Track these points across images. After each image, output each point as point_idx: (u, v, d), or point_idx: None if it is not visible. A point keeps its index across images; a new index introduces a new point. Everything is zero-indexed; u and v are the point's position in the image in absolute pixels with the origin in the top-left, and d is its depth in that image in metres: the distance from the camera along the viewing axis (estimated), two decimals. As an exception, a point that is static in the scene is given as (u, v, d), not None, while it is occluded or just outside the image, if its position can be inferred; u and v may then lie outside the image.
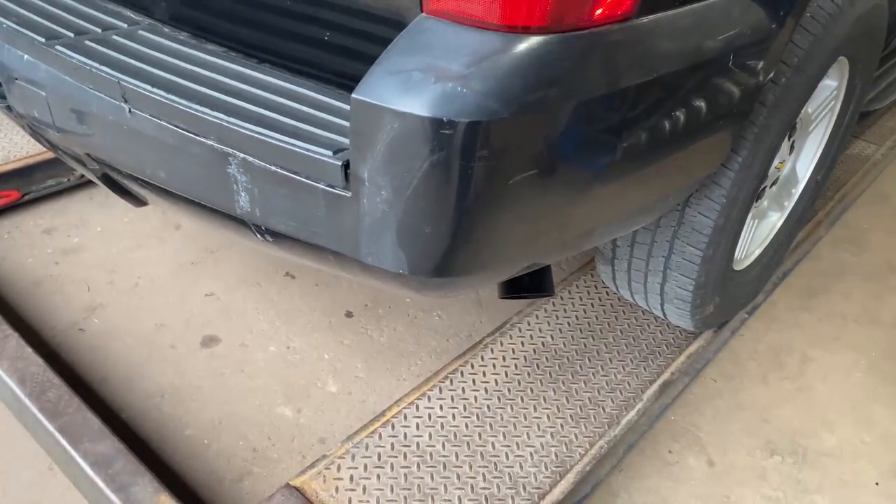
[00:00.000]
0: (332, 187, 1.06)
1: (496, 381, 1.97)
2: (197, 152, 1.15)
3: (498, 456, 1.78)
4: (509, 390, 1.95)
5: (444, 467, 1.73)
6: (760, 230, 2.22)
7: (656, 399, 2.00)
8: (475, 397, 1.92)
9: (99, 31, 1.33)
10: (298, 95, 1.18)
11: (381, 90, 0.96)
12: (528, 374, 2.00)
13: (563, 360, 2.06)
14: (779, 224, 2.26)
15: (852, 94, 2.12)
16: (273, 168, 1.09)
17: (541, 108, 0.99)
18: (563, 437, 1.84)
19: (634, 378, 2.03)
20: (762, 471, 2.05)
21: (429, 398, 1.90)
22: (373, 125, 0.97)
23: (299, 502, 1.59)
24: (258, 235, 1.22)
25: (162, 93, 1.15)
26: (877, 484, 2.06)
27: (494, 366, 2.01)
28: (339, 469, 1.70)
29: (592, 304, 2.26)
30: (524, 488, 1.71)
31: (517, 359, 2.04)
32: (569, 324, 2.17)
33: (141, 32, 1.34)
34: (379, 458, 1.74)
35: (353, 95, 0.98)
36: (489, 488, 1.70)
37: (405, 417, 1.85)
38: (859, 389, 2.34)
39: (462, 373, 1.98)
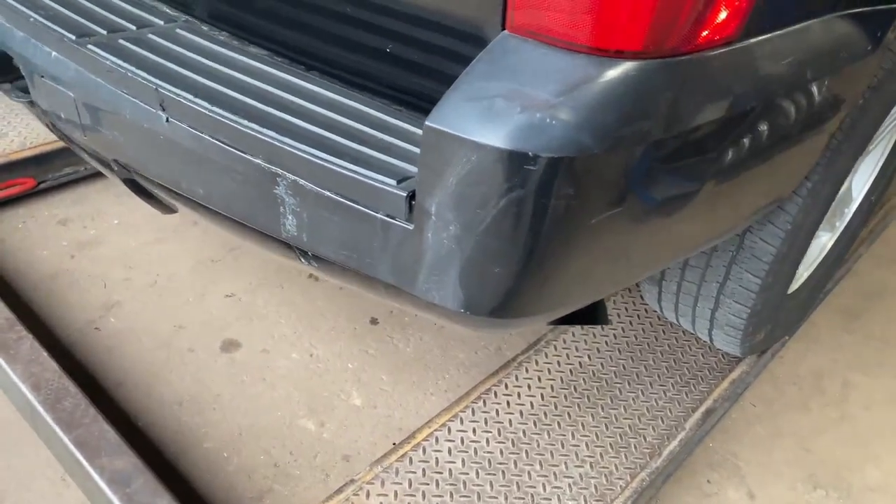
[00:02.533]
0: (393, 218, 0.96)
1: (532, 403, 1.87)
2: (241, 170, 1.05)
3: (535, 487, 1.68)
4: (546, 414, 1.85)
5: (479, 498, 1.64)
6: (811, 251, 2.11)
7: (698, 427, 1.90)
8: (510, 421, 1.82)
9: (133, 28, 1.23)
10: (356, 113, 1.07)
11: (459, 119, 0.86)
12: (566, 396, 1.91)
13: (601, 382, 1.96)
14: (829, 244, 2.15)
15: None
16: (327, 193, 0.99)
17: (635, 142, 0.89)
18: (603, 467, 1.75)
19: (676, 404, 1.93)
20: (805, 506, 1.96)
21: (461, 420, 1.81)
22: (446, 156, 0.87)
23: (327, 532, 1.50)
24: (303, 260, 1.12)
25: (205, 104, 1.05)
26: (924, 524, 1.96)
27: (530, 387, 1.91)
28: (367, 496, 1.61)
29: (631, 323, 2.16)
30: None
31: (553, 380, 1.95)
32: (607, 343, 2.08)
33: (179, 31, 1.23)
34: (409, 485, 1.65)
35: (427, 123, 0.88)
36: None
37: (436, 441, 1.76)
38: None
39: (496, 393, 1.89)
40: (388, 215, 0.96)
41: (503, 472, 1.71)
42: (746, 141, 1.05)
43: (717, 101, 0.97)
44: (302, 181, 1.00)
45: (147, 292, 2.31)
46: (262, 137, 1.00)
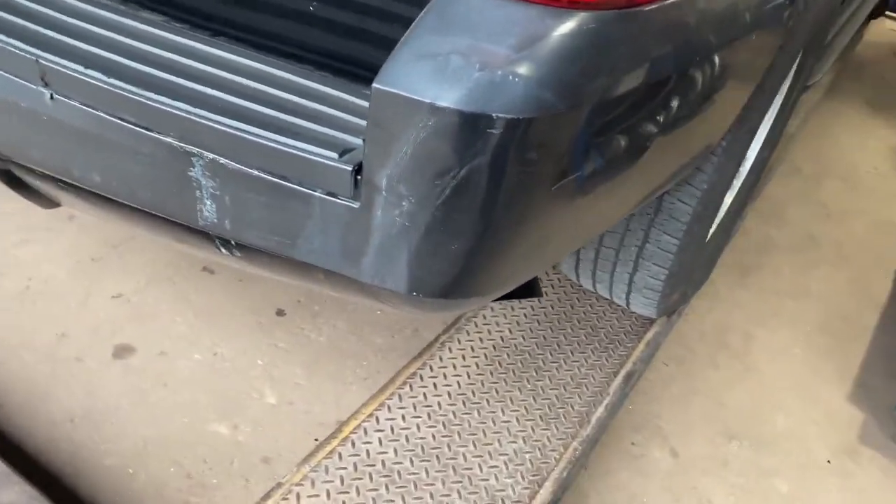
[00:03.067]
0: (335, 196, 0.86)
1: (458, 383, 1.82)
2: (148, 151, 0.91)
3: (471, 468, 1.63)
4: (473, 393, 1.80)
5: (416, 486, 1.57)
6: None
7: (621, 391, 1.91)
8: (438, 403, 1.76)
9: None
10: (279, 80, 0.95)
11: (412, 79, 0.77)
12: (491, 373, 1.86)
13: (524, 355, 1.93)
14: (728, 202, 2.21)
15: (801, 73, 2.08)
16: (254, 172, 0.87)
17: (596, 98, 0.83)
18: (536, 441, 1.72)
19: (598, 370, 1.94)
20: (724, 458, 2.02)
21: (388, 408, 1.73)
22: (399, 122, 0.78)
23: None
24: (223, 250, 1.00)
25: (99, 75, 0.90)
26: (829, 462, 2.07)
27: (455, 366, 1.86)
28: (298, 498, 1.51)
29: (546, 293, 2.14)
30: (503, 503, 1.57)
31: (477, 357, 1.90)
32: (525, 316, 2.05)
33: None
34: (342, 482, 1.56)
35: (375, 85, 0.78)
36: (467, 505, 1.56)
37: (365, 432, 1.67)
38: (802, 366, 2.36)
39: (421, 377, 1.82)
40: (328, 193, 0.86)
41: (437, 456, 1.64)
42: (689, 93, 1.02)
43: (667, 54, 0.93)
44: (223, 159, 0.88)
45: (21, 300, 2.07)
46: (174, 111, 0.87)
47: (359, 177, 0.84)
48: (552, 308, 2.09)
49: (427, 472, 1.61)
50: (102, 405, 1.84)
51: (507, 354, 1.93)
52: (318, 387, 2.00)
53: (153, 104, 0.88)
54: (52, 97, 0.94)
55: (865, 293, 2.73)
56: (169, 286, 2.19)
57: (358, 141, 0.86)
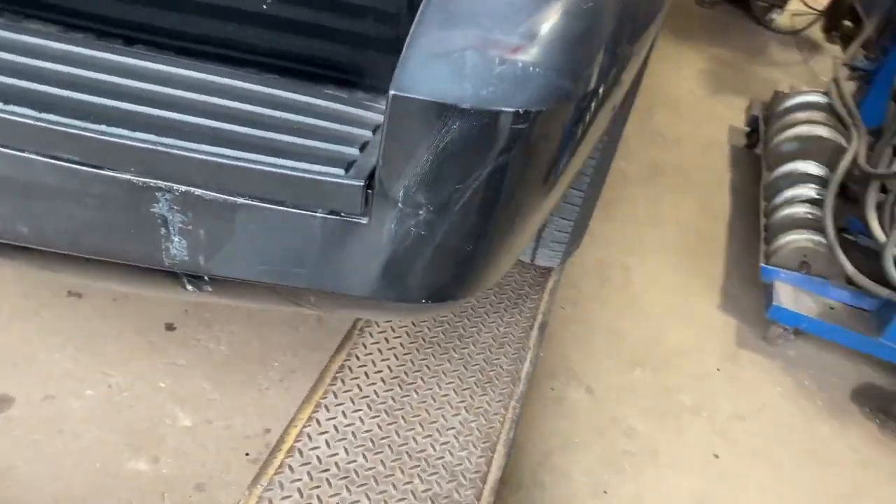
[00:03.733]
0: (338, 215, 0.78)
1: (389, 367, 1.78)
2: (96, 192, 0.77)
3: (424, 450, 1.62)
4: (406, 374, 1.78)
5: (377, 481, 1.54)
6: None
7: (538, 343, 1.97)
8: (375, 392, 1.72)
9: None
10: (251, 94, 0.84)
11: (431, 81, 0.71)
12: (418, 350, 1.85)
13: (444, 325, 1.93)
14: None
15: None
16: (238, 200, 0.77)
17: (595, 81, 0.81)
18: (478, 408, 1.74)
19: (515, 327, 1.98)
20: (632, 385, 2.16)
21: (326, 408, 1.67)
22: (420, 128, 0.72)
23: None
24: (190, 288, 0.89)
25: (29, 112, 0.74)
26: (718, 370, 2.28)
27: (380, 350, 1.82)
28: (261, 525, 1.42)
29: (448, 260, 2.13)
30: (464, 477, 1.59)
31: (399, 336, 1.87)
32: (434, 286, 2.04)
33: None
34: (301, 495, 1.49)
35: (393, 92, 0.71)
36: (430, 488, 1.55)
37: (309, 438, 1.60)
38: (675, 288, 2.56)
39: (350, 368, 1.76)
40: (331, 213, 0.78)
41: (389, 446, 1.61)
42: (634, 68, 1.04)
43: (627, 38, 0.93)
44: (198, 191, 0.77)
45: None
46: (134, 144, 0.74)
47: (369, 191, 0.77)
48: None
49: (383, 464, 1.57)
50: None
51: (427, 328, 1.91)
52: (233, 399, 1.88)
53: (105, 138, 0.74)
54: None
55: (711, 211, 3.00)
56: (36, 320, 1.95)
57: (355, 151, 0.79)
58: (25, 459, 1.65)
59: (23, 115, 0.75)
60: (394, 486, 1.53)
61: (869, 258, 2.23)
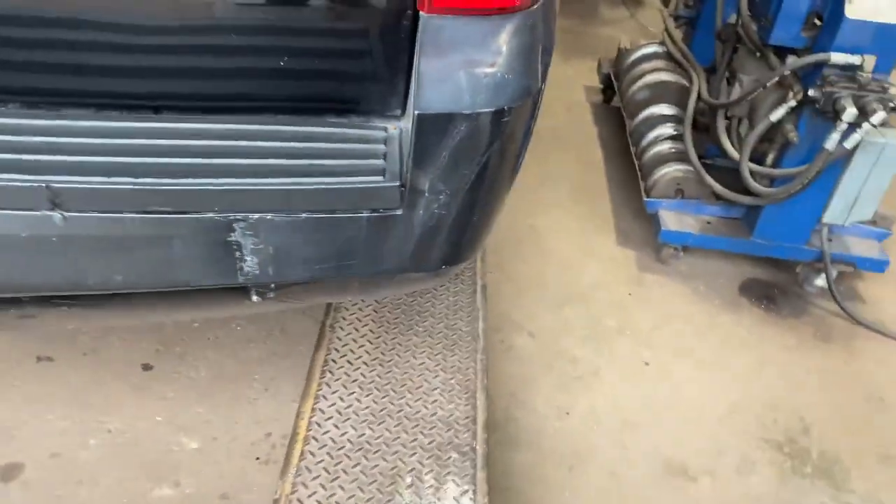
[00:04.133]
0: (380, 211, 1.01)
1: (367, 352, 2.02)
2: (183, 233, 0.96)
3: (419, 411, 1.87)
4: (383, 353, 2.02)
5: (387, 445, 1.78)
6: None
7: (483, 302, 2.26)
8: (362, 374, 1.95)
9: None
10: (276, 134, 1.04)
11: (442, 99, 0.95)
12: (386, 331, 2.08)
13: (401, 307, 2.18)
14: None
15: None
16: (302, 216, 0.98)
17: (542, 74, 1.08)
18: (452, 367, 2.00)
19: (462, 293, 2.25)
20: (565, 322, 2.49)
21: (324, 397, 1.88)
22: (438, 134, 0.96)
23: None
24: (256, 298, 1.08)
25: (126, 179, 0.92)
26: (630, 294, 2.66)
27: (355, 340, 2.05)
28: (301, 502, 1.63)
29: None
30: (458, 423, 1.85)
31: (367, 325, 2.10)
32: (382, 275, 2.28)
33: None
34: (328, 472, 1.71)
35: (418, 112, 0.95)
36: (433, 440, 1.80)
37: (318, 425, 1.81)
38: (577, 233, 2.91)
39: (333, 360, 1.98)
40: (373, 211, 1.01)
41: (388, 415, 1.85)
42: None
43: (546, 38, 1.20)
44: (269, 216, 0.97)
45: None
46: (216, 188, 0.94)
47: (403, 189, 1.01)
48: None
49: (388, 431, 1.81)
50: (30, 529, 1.72)
51: (388, 311, 2.15)
52: (228, 415, 2.04)
53: (193, 187, 0.94)
54: (63, 217, 0.92)
55: (589, 163, 3.38)
56: (14, 391, 2.02)
57: (381, 161, 1.02)
58: (55, 514, 1.75)
59: (123, 182, 0.93)
60: (403, 445, 1.77)
61: (729, 176, 2.66)
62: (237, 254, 1.02)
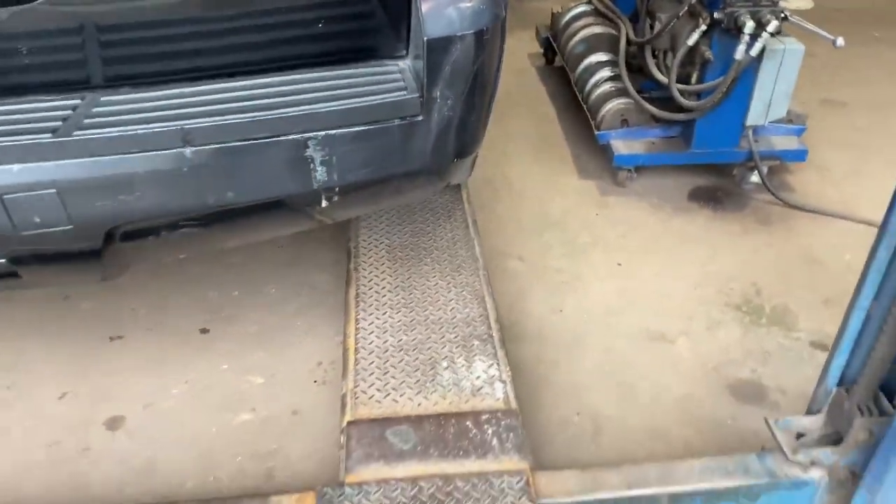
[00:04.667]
0: (406, 118, 1.42)
1: (388, 281, 2.41)
2: (274, 152, 1.36)
3: (442, 317, 2.27)
4: (402, 281, 2.41)
5: (422, 344, 2.18)
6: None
7: (476, 234, 2.67)
8: (389, 299, 2.34)
9: (69, 112, 1.34)
10: (316, 77, 1.44)
11: (442, 26, 1.36)
12: (401, 264, 2.48)
13: (408, 245, 2.58)
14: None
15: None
16: (354, 129, 1.39)
17: (504, 4, 1.50)
18: (461, 282, 2.41)
19: (458, 230, 2.66)
20: (546, 244, 2.91)
21: (363, 318, 2.27)
22: (443, 53, 1.37)
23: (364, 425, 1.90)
24: (325, 202, 1.48)
25: (235, 116, 1.31)
26: (597, 214, 3.09)
27: (377, 275, 2.44)
28: (369, 397, 2.02)
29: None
30: (475, 320, 2.26)
31: (383, 262, 2.50)
32: (382, 220, 2.68)
33: (104, 98, 1.38)
34: (381, 369, 2.10)
35: (427, 37, 1.36)
36: (458, 333, 2.20)
37: (363, 338, 2.20)
38: (545, 176, 3.34)
39: (363, 293, 2.37)
40: (401, 118, 1.42)
41: (418, 323, 2.24)
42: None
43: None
44: (333, 131, 1.38)
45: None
46: (294, 113, 1.34)
47: (422, 98, 1.41)
48: (398, 209, 2.75)
49: (421, 334, 2.21)
50: (144, 462, 2.09)
51: (398, 251, 2.55)
52: (282, 355, 2.43)
53: (280, 115, 1.33)
54: (190, 152, 1.31)
55: (543, 118, 3.82)
56: (100, 365, 2.38)
57: (402, 82, 1.43)
58: (162, 450, 2.12)
59: (231, 119, 1.32)
60: (434, 343, 2.18)
61: (664, 103, 3.11)
62: (311, 166, 1.41)
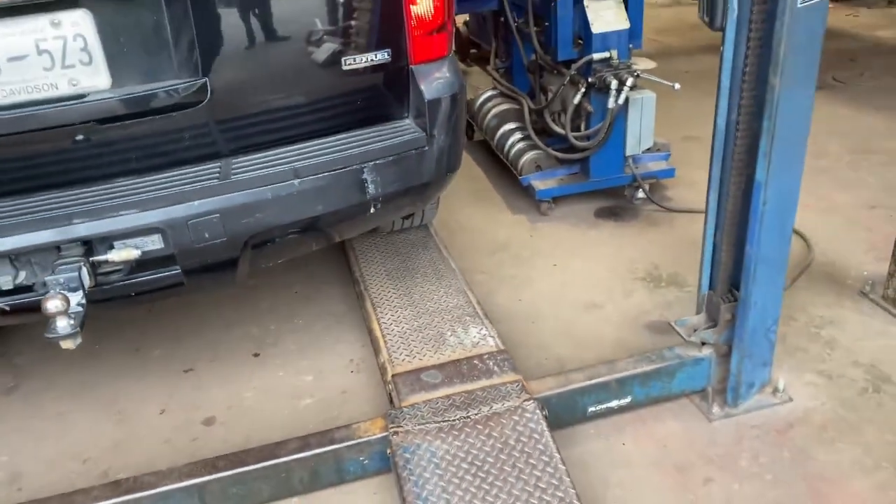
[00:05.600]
0: (418, 149, 2.36)
1: (393, 292, 3.28)
2: (344, 178, 2.26)
3: (440, 306, 3.15)
4: (402, 288, 3.29)
5: (429, 325, 3.03)
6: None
7: (449, 254, 3.59)
8: (396, 302, 3.20)
9: (219, 169, 2.21)
10: (366, 131, 2.38)
11: (434, 92, 2.32)
12: (398, 279, 3.36)
13: (397, 270, 3.47)
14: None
15: None
16: (392, 158, 2.31)
17: (461, 80, 2.50)
18: (445, 284, 3.31)
19: (434, 252, 3.58)
20: (499, 262, 3.85)
21: (380, 316, 3.12)
22: (436, 107, 2.33)
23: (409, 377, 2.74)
24: (373, 209, 2.37)
25: (324, 157, 2.22)
26: (531, 236, 4.08)
27: (381, 286, 3.31)
28: (401, 360, 2.86)
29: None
30: (464, 307, 3.15)
31: (384, 281, 3.37)
32: (378, 251, 3.58)
33: (238, 159, 2.27)
34: (403, 340, 2.94)
35: (427, 99, 2.32)
36: (453, 314, 3.08)
37: (386, 328, 3.04)
38: (487, 216, 4.31)
39: (377, 300, 3.24)
40: (416, 149, 2.35)
41: (422, 312, 3.11)
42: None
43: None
44: (377, 161, 2.29)
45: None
46: (355, 153, 2.25)
47: (426, 136, 2.36)
48: (387, 245, 3.65)
49: (426, 319, 3.07)
50: (242, 439, 2.82)
51: (395, 271, 3.44)
52: (321, 358, 3.22)
53: (347, 155, 2.25)
54: (299, 181, 2.19)
55: (474, 177, 4.84)
56: (183, 389, 3.12)
57: (414, 128, 2.38)
58: (252, 430, 2.87)
59: (327, 157, 2.24)
60: (438, 323, 3.05)
61: (564, 149, 4.17)
62: (365, 184, 2.31)
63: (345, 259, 3.76)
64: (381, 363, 2.89)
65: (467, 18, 5.76)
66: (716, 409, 2.75)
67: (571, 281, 3.63)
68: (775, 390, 2.80)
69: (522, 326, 3.31)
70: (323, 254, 3.92)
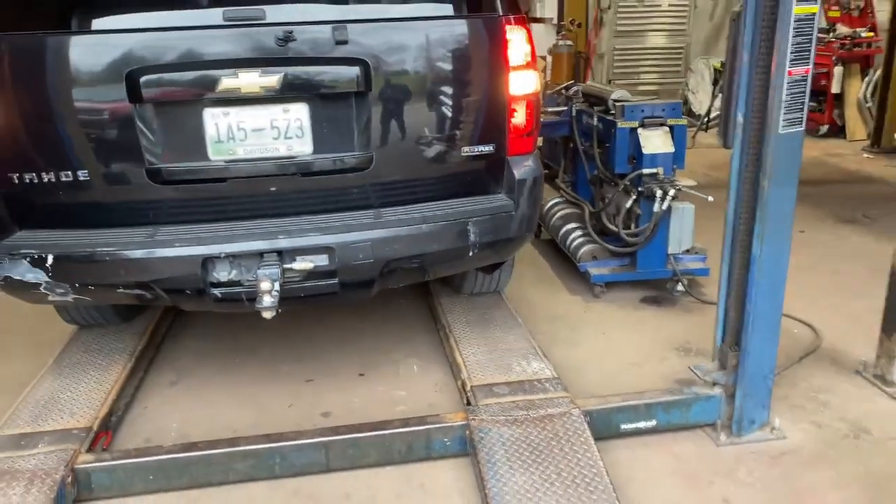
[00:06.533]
0: (508, 213, 3.33)
1: (473, 337, 4.18)
2: (455, 228, 3.24)
3: (509, 347, 4.03)
4: (479, 335, 4.18)
5: (500, 359, 3.91)
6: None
7: (518, 315, 4.50)
8: (476, 345, 4.10)
9: (372, 216, 3.22)
10: (475, 199, 3.37)
11: (523, 174, 3.33)
12: (476, 328, 4.26)
13: (475, 318, 4.38)
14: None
15: None
16: (489, 217, 3.29)
17: (541, 169, 3.52)
18: (515, 333, 4.19)
19: (505, 313, 4.49)
20: (557, 326, 4.73)
21: (462, 350, 4.02)
22: (522, 185, 3.31)
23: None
24: (472, 252, 3.33)
25: (445, 210, 3.23)
26: (585, 312, 4.96)
27: (464, 334, 4.21)
28: (478, 377, 3.73)
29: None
30: (528, 348, 4.02)
31: (464, 329, 4.28)
32: (457, 306, 4.50)
33: (386, 209, 3.29)
34: (483, 370, 3.82)
35: (517, 179, 3.32)
36: (520, 353, 3.95)
37: (465, 358, 3.93)
38: (548, 295, 5.22)
39: (459, 339, 4.13)
40: (506, 213, 3.31)
41: (495, 350, 4.00)
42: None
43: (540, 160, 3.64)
44: (479, 218, 3.26)
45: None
46: (464, 211, 3.23)
47: (514, 205, 3.36)
48: (466, 302, 4.58)
49: (498, 355, 3.95)
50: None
51: (473, 322, 4.35)
52: (412, 381, 4.10)
53: (459, 214, 3.25)
54: (426, 226, 3.18)
55: (540, 265, 5.78)
56: (310, 401, 4.03)
57: (507, 200, 3.37)
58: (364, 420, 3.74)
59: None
60: (507, 358, 3.93)
61: (616, 244, 5.10)
62: (469, 234, 3.27)
63: (431, 314, 4.70)
64: (461, 380, 3.76)
65: (540, 143, 6.91)
66: (723, 437, 3.50)
67: (616, 347, 4.46)
68: (773, 429, 3.53)
69: (572, 376, 4.12)
70: (415, 309, 4.88)
